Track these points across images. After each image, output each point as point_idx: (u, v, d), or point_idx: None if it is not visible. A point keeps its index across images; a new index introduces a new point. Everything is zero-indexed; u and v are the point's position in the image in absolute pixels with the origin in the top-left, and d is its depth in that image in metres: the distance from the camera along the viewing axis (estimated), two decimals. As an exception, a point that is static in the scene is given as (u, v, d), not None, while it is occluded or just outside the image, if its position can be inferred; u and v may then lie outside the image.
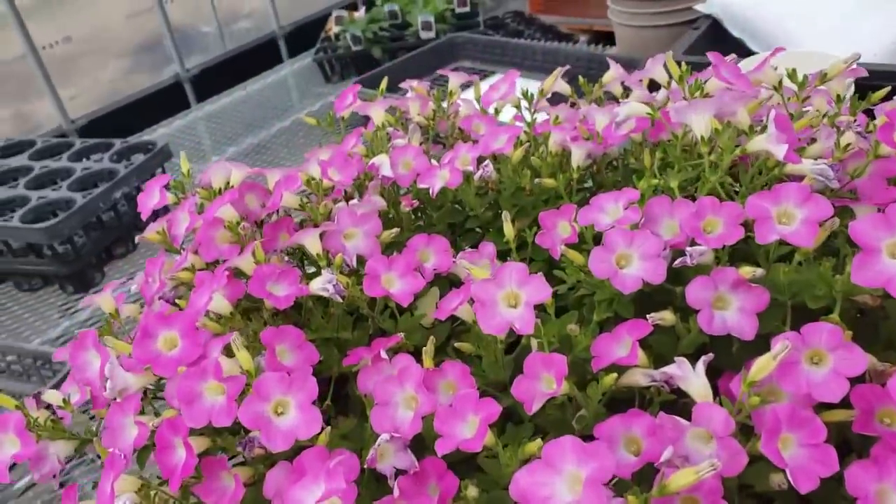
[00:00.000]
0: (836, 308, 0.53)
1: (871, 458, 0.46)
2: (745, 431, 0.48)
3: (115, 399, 0.61)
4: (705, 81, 0.66)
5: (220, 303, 0.61)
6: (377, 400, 0.55)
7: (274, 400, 0.51)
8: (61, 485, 1.04)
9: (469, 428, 0.50)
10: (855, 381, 0.49)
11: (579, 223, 0.60)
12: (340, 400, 0.68)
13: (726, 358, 0.57)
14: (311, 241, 0.66)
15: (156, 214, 0.79)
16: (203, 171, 0.80)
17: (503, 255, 0.71)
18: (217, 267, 0.69)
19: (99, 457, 0.61)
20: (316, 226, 0.68)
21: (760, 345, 0.52)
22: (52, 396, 0.65)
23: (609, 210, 0.60)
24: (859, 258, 0.47)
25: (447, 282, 0.75)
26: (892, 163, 0.62)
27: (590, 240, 0.60)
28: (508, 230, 0.69)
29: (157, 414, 0.63)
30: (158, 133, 2.20)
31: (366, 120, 0.90)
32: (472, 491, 0.49)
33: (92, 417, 0.68)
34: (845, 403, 0.49)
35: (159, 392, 0.66)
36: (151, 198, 0.78)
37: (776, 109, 0.61)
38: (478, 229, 0.81)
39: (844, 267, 0.51)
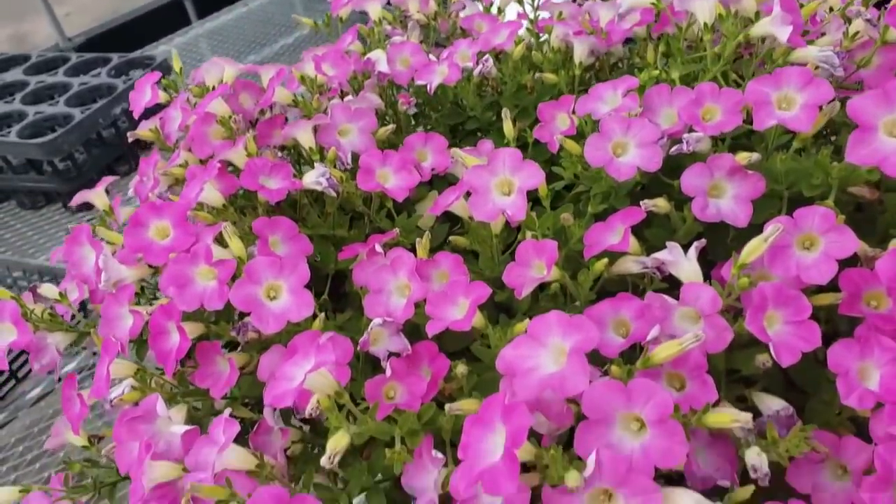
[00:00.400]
0: (832, 195, 0.52)
1: (855, 337, 0.46)
2: (735, 315, 0.48)
3: (109, 291, 0.62)
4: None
5: (212, 194, 0.61)
6: (371, 287, 0.55)
7: (265, 283, 0.52)
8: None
9: (459, 310, 0.51)
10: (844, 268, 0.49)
11: (578, 113, 0.59)
12: (338, 298, 0.68)
13: (721, 249, 0.57)
14: (303, 135, 0.65)
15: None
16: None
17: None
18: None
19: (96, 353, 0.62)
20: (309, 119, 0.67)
21: (755, 234, 0.52)
22: (48, 290, 0.66)
23: (607, 99, 0.59)
24: (855, 135, 0.46)
25: (446, 184, 0.74)
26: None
27: (588, 132, 0.59)
28: (508, 128, 0.67)
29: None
30: (159, 51, 2.16)
31: (364, 19, 0.88)
32: (461, 368, 0.49)
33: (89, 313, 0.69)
34: (834, 287, 0.49)
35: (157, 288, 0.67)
36: (143, 95, 0.77)
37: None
38: (478, 132, 0.80)
39: (842, 156, 0.51)
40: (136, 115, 0.76)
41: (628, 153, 0.55)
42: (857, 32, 0.60)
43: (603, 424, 0.40)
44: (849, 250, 0.47)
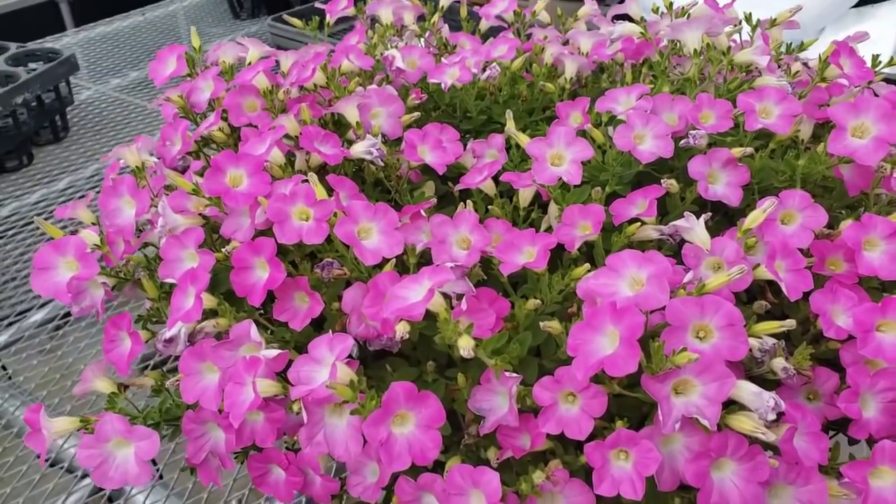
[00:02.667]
0: (797, 185, 0.68)
1: (826, 287, 0.61)
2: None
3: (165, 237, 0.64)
4: (690, 8, 0.79)
5: (276, 153, 0.66)
6: (436, 238, 0.62)
7: (361, 224, 0.58)
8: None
9: (525, 256, 0.60)
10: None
11: (597, 110, 0.71)
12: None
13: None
14: (350, 110, 0.72)
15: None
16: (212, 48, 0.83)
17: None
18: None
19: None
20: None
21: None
22: (88, 236, 0.66)
23: (621, 101, 0.72)
24: (833, 133, 0.61)
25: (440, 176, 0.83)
26: (823, 92, 0.78)
27: (603, 126, 0.71)
28: (511, 126, 0.78)
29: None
30: (63, 43, 2.07)
31: (348, 29, 0.96)
32: (532, 302, 0.58)
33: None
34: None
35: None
36: (166, 66, 0.79)
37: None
38: (469, 134, 0.90)
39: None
40: (158, 85, 0.79)
41: (646, 143, 0.67)
42: (797, 72, 0.78)
43: (681, 331, 0.50)
44: (822, 222, 0.62)
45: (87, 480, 1.09)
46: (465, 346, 0.49)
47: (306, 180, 0.63)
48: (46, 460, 0.98)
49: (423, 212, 0.68)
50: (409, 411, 0.49)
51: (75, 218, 0.75)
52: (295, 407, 0.51)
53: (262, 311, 0.63)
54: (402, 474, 0.57)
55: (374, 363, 0.67)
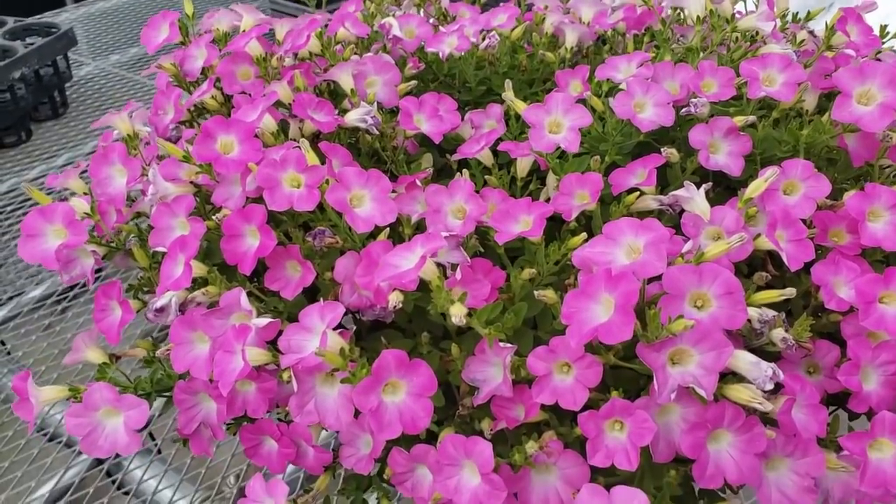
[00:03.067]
0: (801, 155, 0.66)
1: (828, 258, 0.60)
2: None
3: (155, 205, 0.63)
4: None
5: (268, 119, 0.65)
6: (430, 207, 0.61)
7: (353, 191, 0.57)
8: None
9: (521, 225, 0.58)
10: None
11: (597, 78, 0.70)
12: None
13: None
14: (344, 77, 0.70)
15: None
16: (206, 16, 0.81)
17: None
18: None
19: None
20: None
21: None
22: (78, 205, 0.65)
23: (622, 69, 0.70)
24: (839, 100, 0.60)
25: (437, 148, 0.82)
26: (829, 62, 0.76)
27: (603, 95, 0.70)
28: (510, 96, 0.76)
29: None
30: (62, 18, 2.05)
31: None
32: (527, 272, 0.57)
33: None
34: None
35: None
36: (158, 32, 0.78)
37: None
38: (468, 105, 0.89)
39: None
40: (150, 51, 0.77)
41: (646, 111, 0.66)
42: (802, 40, 0.76)
43: (678, 299, 0.49)
44: (824, 192, 0.61)
45: (84, 455, 1.09)
46: (457, 314, 0.48)
47: (299, 147, 0.61)
48: (42, 432, 0.98)
49: (418, 182, 0.67)
50: (400, 380, 0.49)
51: (68, 188, 0.74)
52: (285, 375, 0.50)
53: (255, 282, 0.62)
54: (395, 445, 0.57)
55: (369, 336, 0.66)
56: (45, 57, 1.65)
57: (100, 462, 1.07)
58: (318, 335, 0.52)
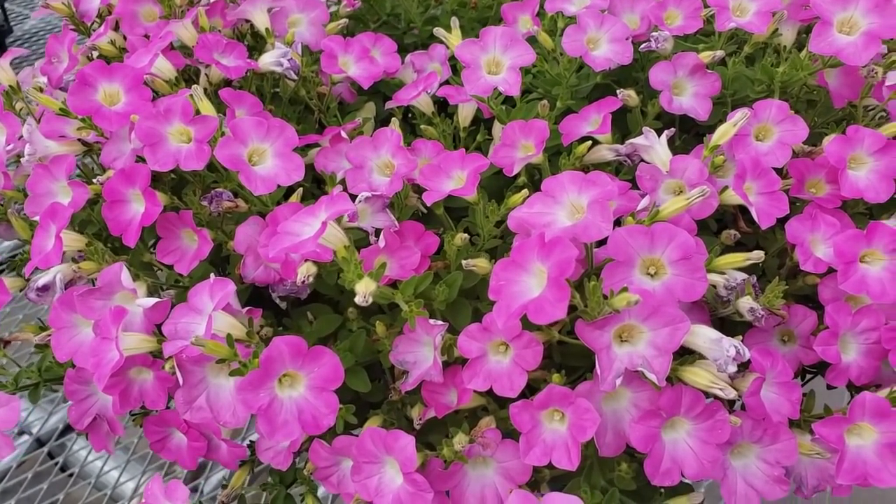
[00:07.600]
0: (775, 97, 0.58)
1: (805, 213, 0.52)
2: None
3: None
4: None
5: (164, 65, 0.56)
6: (352, 163, 0.53)
7: (251, 145, 0.48)
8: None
9: (455, 182, 0.51)
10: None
11: (547, 11, 0.61)
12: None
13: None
14: (259, 15, 0.61)
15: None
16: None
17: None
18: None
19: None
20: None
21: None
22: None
23: (575, 0, 0.61)
24: (817, 28, 0.51)
25: (381, 97, 0.73)
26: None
27: (558, 30, 0.61)
28: (456, 37, 0.67)
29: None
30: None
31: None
32: (460, 238, 0.49)
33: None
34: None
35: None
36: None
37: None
38: (415, 47, 0.80)
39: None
40: (40, -10, 0.68)
41: (601, 48, 0.57)
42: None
43: (627, 266, 0.42)
44: (801, 137, 0.53)
45: (25, 437, 1.02)
46: (363, 291, 0.40)
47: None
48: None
49: (344, 133, 0.58)
50: (298, 371, 0.41)
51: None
52: (167, 366, 0.43)
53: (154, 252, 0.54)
54: (317, 438, 0.50)
55: (294, 312, 0.58)
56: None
57: (41, 443, 1.00)
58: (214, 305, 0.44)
